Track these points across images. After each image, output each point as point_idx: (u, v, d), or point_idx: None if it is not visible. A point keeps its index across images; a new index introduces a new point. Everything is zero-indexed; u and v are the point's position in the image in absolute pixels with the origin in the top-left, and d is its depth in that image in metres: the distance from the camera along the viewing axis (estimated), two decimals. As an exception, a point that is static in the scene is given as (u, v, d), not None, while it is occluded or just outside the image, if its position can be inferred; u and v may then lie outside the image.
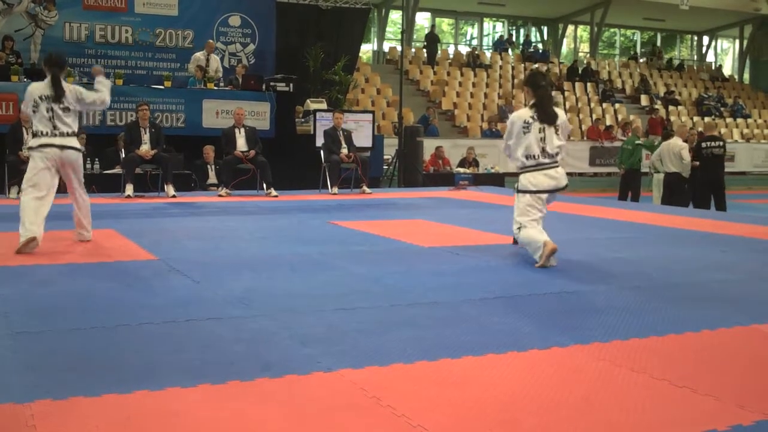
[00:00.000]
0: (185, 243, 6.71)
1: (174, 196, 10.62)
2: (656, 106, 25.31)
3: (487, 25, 31.03)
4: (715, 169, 12.37)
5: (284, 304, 4.34)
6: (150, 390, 2.85)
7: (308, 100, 14.82)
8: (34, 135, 6.29)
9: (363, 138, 13.76)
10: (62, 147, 6.22)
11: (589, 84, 25.79)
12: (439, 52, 26.41)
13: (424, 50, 25.31)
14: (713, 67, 32.19)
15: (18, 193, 10.06)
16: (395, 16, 27.50)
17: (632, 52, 31.90)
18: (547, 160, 5.80)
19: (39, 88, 6.31)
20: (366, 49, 25.65)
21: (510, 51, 27.89)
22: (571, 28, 31.32)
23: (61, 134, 6.24)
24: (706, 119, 24.89)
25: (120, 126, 12.28)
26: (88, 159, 11.74)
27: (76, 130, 6.42)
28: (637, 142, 14.48)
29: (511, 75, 25.23)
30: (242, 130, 11.62)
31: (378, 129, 17.30)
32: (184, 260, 5.70)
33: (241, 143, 11.50)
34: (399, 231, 7.43)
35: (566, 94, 24.59)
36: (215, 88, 13.67)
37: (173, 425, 2.56)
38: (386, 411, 2.70)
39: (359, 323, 3.93)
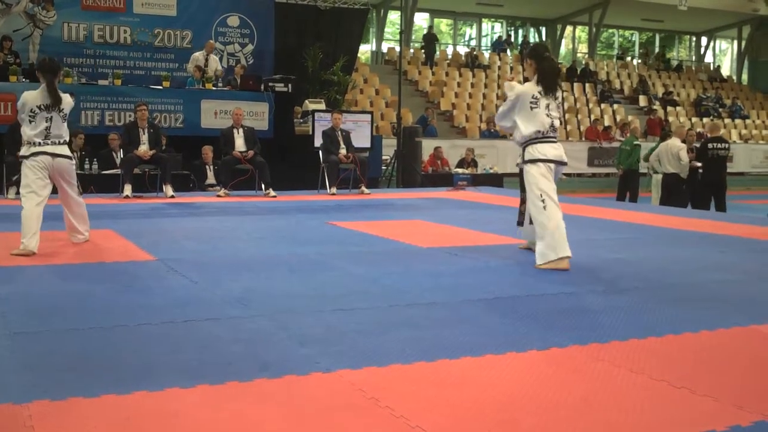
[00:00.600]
0: (184, 243, 6.70)
1: (172, 197, 10.62)
2: (655, 107, 25.34)
3: (486, 25, 31.06)
4: (719, 170, 12.38)
5: (282, 304, 4.34)
6: (148, 391, 2.85)
7: (307, 101, 14.82)
8: (28, 143, 6.24)
9: (361, 138, 13.76)
10: (54, 155, 6.19)
11: (587, 84, 25.80)
12: (438, 52, 26.43)
13: (423, 51, 25.31)
14: (711, 68, 32.22)
15: (16, 193, 10.07)
16: (394, 16, 27.51)
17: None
18: (551, 134, 5.80)
19: (35, 98, 6.25)
20: (364, 50, 25.66)
21: (508, 51, 27.91)
22: (569, 28, 31.34)
23: (53, 143, 6.22)
24: (705, 120, 24.94)
25: (118, 126, 12.28)
26: (87, 159, 11.74)
27: (68, 139, 6.40)
28: (635, 142, 14.48)
29: (506, 78, 25.22)
30: (241, 130, 11.61)
31: (376, 129, 17.31)
32: (183, 261, 5.70)
33: (240, 143, 11.50)
34: (397, 231, 7.43)
35: (565, 94, 24.57)
36: (214, 88, 13.66)
37: (172, 426, 2.56)
38: (385, 411, 2.69)
39: (358, 324, 3.93)
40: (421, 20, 28.52)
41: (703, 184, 12.40)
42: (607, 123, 22.77)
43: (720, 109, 27.07)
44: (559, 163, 5.83)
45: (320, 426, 2.58)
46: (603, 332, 3.77)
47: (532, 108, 5.73)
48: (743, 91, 30.28)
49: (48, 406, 2.68)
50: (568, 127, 22.61)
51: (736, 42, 33.18)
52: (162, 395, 2.82)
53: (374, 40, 26.90)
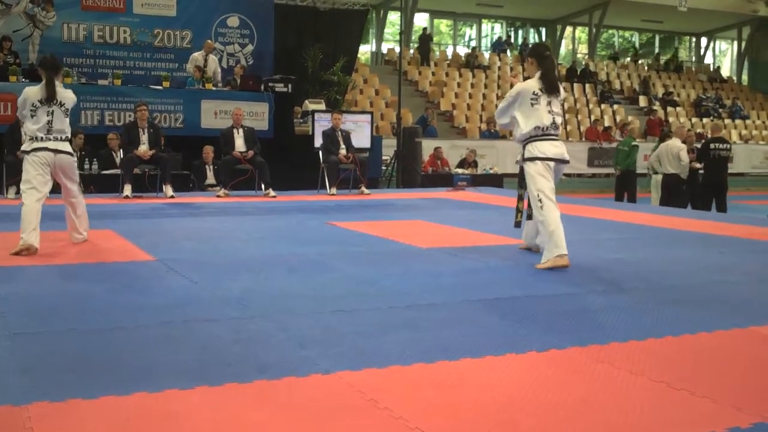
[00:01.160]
0: (183, 244, 6.70)
1: (172, 197, 10.62)
2: (655, 107, 25.34)
3: (486, 26, 31.07)
4: (720, 170, 12.39)
5: (282, 305, 4.34)
6: (148, 392, 2.85)
7: (307, 101, 14.82)
8: (30, 138, 6.27)
9: (361, 139, 13.77)
10: (56, 151, 6.23)
11: (587, 85, 25.80)
12: (437, 53, 26.42)
13: (418, 51, 25.28)
14: (711, 69, 32.23)
15: (16, 193, 10.08)
16: (393, 17, 27.52)
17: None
18: (553, 132, 5.81)
19: (36, 93, 6.30)
20: (364, 50, 25.67)
21: (508, 52, 27.91)
22: (569, 29, 31.35)
23: (56, 138, 6.25)
24: (705, 120, 24.95)
25: (118, 126, 12.28)
26: (86, 159, 11.74)
27: (69, 135, 6.42)
28: (633, 143, 14.49)
29: (509, 76, 25.22)
30: (241, 130, 11.61)
31: (376, 130, 17.32)
32: (182, 261, 5.69)
33: (240, 144, 11.50)
34: (397, 232, 7.43)
35: (565, 95, 24.52)
36: (214, 88, 13.67)
37: (171, 427, 2.56)
38: (384, 413, 2.69)
39: (357, 325, 3.93)
40: (421, 21, 28.53)
41: (704, 185, 12.41)
42: (607, 123, 22.77)
43: (720, 110, 27.08)
44: (560, 161, 5.84)
45: (319, 427, 2.58)
46: (603, 333, 3.77)
47: (532, 104, 5.74)
48: (743, 91, 30.30)
49: (47, 408, 2.68)
50: (568, 128, 22.61)
51: (736, 43, 33.18)
52: (161, 396, 2.82)
53: (374, 40, 26.90)
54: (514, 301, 4.53)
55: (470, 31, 31.02)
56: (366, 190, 12.16)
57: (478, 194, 12.63)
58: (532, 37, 30.69)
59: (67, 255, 6.05)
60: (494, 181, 16.12)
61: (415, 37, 26.83)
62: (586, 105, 24.66)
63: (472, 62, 25.62)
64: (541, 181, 5.72)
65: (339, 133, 12.29)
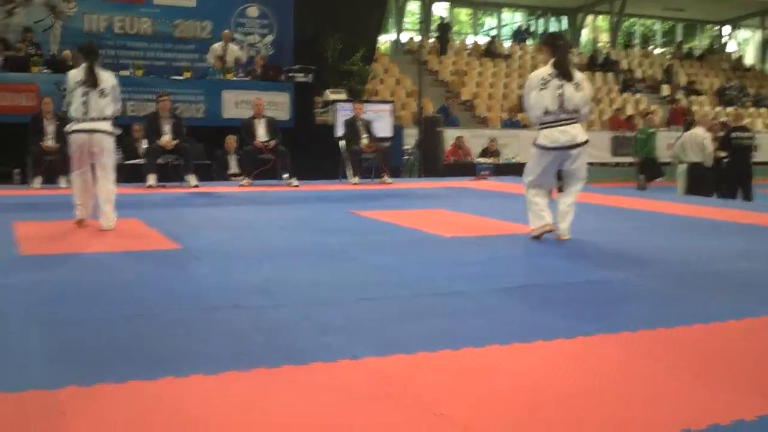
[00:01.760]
0: (207, 232, 6.72)
1: (196, 186, 10.66)
2: (678, 96, 25.11)
3: (506, 15, 30.88)
4: (743, 159, 12.27)
5: (305, 293, 4.34)
6: (174, 377, 2.86)
7: (327, 91, 14.82)
8: (70, 120, 6.73)
9: (383, 128, 13.74)
10: (91, 131, 6.60)
11: (609, 74, 25.60)
12: (457, 42, 26.30)
13: (438, 40, 25.17)
14: (734, 57, 31.87)
15: (42, 183, 10.18)
16: (413, 6, 27.42)
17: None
18: (564, 116, 5.92)
19: (75, 75, 6.71)
20: (384, 40, 25.60)
21: (529, 41, 27.73)
22: (590, 17, 31.10)
23: (92, 119, 6.60)
24: (729, 109, 24.68)
25: (140, 117, 12.33)
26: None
27: (109, 114, 6.71)
28: (650, 130, 14.38)
29: (530, 65, 25.06)
30: (262, 120, 11.63)
31: (397, 119, 17.28)
32: (206, 249, 5.71)
33: (261, 133, 11.52)
34: (420, 221, 7.41)
35: (582, 79, 24.37)
36: (234, 78, 13.68)
37: (198, 412, 2.56)
38: (410, 400, 2.68)
39: (381, 313, 3.92)
40: (440, 10, 28.40)
41: (729, 174, 12.29)
42: (630, 112, 22.59)
43: (744, 98, 26.77)
44: (565, 147, 5.97)
45: (346, 413, 2.57)
46: (631, 321, 3.74)
47: (541, 89, 5.91)
48: (767, 79, 29.93)
49: (77, 392, 2.69)
50: (591, 117, 22.47)
51: (759, 31, 32.78)
52: (188, 381, 2.83)
53: (394, 30, 26.82)
54: (541, 289, 4.51)
55: (490, 20, 30.84)
56: (388, 179, 12.14)
57: (501, 183, 12.58)
58: (553, 26, 30.47)
59: (94, 244, 6.08)
60: (517, 170, 15.95)
61: (434, 26, 26.72)
62: (608, 94, 24.47)
63: (492, 51, 25.49)
64: (531, 168, 6.15)
65: (360, 122, 12.27)
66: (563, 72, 5.91)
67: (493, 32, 29.83)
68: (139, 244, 6.03)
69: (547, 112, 5.90)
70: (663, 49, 31.35)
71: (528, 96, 6.08)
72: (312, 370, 2.97)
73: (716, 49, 32.32)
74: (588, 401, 2.68)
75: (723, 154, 12.24)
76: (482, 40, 27.88)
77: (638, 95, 24.97)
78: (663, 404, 2.67)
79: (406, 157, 15.55)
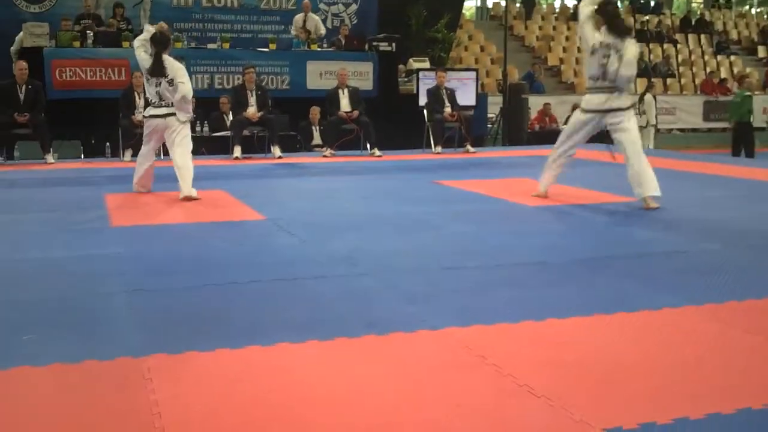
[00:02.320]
0: (292, 203, 6.82)
1: (280, 157, 10.80)
2: (775, 58, 24.11)
3: (595, -24, 30.03)
4: None
5: (389, 263, 4.37)
6: (261, 345, 2.93)
7: (411, 60, 14.74)
8: (147, 103, 7.29)
9: (466, 96, 13.60)
10: (166, 115, 7.07)
11: (702, 36, 24.72)
12: (544, 6, 25.77)
13: (522, 4, 24.68)
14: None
15: (132, 156, 10.47)
16: (499, -29, 26.94)
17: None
18: (607, 83, 6.21)
19: (146, 60, 7.15)
20: (469, 6, 25.28)
21: (619, 3, 26.97)
22: (683, -23, 30.03)
23: (167, 105, 7.08)
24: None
25: (227, 89, 12.53)
26: (197, 122, 12.04)
27: (179, 98, 7.04)
28: (746, 93, 13.84)
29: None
30: (345, 90, 11.66)
31: (482, 87, 17.09)
32: (291, 220, 5.79)
33: (345, 104, 11.55)
34: (504, 190, 7.35)
35: (679, 46, 23.64)
36: (319, 49, 13.75)
37: (283, 379, 2.62)
38: (492, 369, 2.69)
39: (464, 282, 3.92)
40: (527, -26, 27.80)
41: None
42: (723, 75, 21.81)
43: None
44: (603, 111, 6.27)
45: (427, 383, 2.59)
46: (718, 292, 3.65)
47: (592, 53, 6.24)
48: None
49: (165, 360, 2.79)
50: (683, 81, 21.78)
51: None
52: (273, 350, 2.90)
53: (479, -5, 26.45)
54: (625, 260, 4.43)
55: (578, -17, 30.08)
56: (471, 149, 12.04)
57: (587, 151, 12.31)
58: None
59: (181, 215, 6.25)
60: (604, 136, 15.70)
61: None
62: (701, 57, 23.65)
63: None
64: (568, 129, 6.69)
65: (444, 91, 12.18)
66: (613, 38, 6.13)
67: (581, -5, 29.09)
68: (225, 215, 6.16)
69: (591, 77, 6.31)
70: (760, 9, 30.04)
71: (584, 21, 6.38)
72: (392, 340, 3.00)
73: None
74: (679, 374, 2.63)
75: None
76: (570, 2, 27.23)
77: (733, 57, 24.05)
78: (762, 376, 2.60)
79: (490, 125, 15.38)
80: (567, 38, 23.55)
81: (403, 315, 3.35)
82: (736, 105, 13.75)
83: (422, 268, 4.24)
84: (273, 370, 2.71)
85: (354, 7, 16.30)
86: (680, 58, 23.13)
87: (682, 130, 19.71)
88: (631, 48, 6.18)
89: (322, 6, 15.83)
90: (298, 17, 14.66)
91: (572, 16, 24.68)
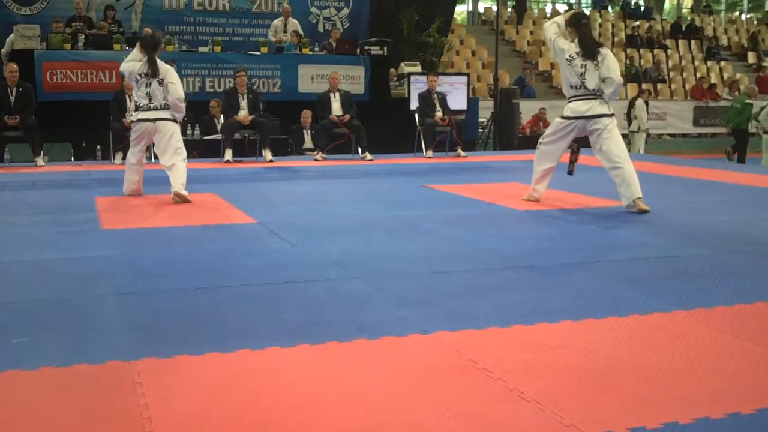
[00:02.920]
0: (283, 207, 6.81)
1: (271, 161, 10.79)
2: (764, 64, 24.21)
3: (586, -19, 30.16)
4: None
5: (380, 266, 4.37)
6: (251, 349, 2.93)
7: (402, 64, 14.76)
8: (136, 108, 7.33)
9: (458, 101, 13.63)
10: (156, 119, 7.16)
11: (693, 41, 24.84)
12: (536, 10, 25.84)
13: (514, 9, 24.74)
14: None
15: (123, 159, 10.43)
16: (490, -25, 27.02)
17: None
18: (585, 92, 6.37)
19: (138, 66, 7.23)
20: (460, 10, 25.34)
21: (610, 8, 27.07)
22: (674, -17, 30.16)
23: (155, 108, 7.17)
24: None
25: (218, 92, 12.51)
26: (188, 125, 12.02)
27: (170, 101, 7.18)
28: (746, 101, 13.87)
29: (611, 33, 24.50)
30: (337, 94, 11.67)
31: (473, 91, 17.11)
32: (282, 223, 5.79)
33: (336, 107, 11.56)
34: (495, 194, 7.37)
35: (669, 52, 23.74)
36: (310, 53, 13.75)
37: (273, 383, 2.62)
38: (482, 374, 2.69)
39: (455, 286, 3.92)
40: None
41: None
42: (713, 81, 21.90)
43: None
44: (586, 117, 6.39)
45: (418, 387, 2.59)
46: (708, 297, 3.66)
47: (568, 63, 6.35)
48: None
49: (155, 363, 2.78)
50: (673, 86, 21.86)
51: None
52: (263, 354, 2.89)
53: (470, 0, 26.51)
54: (616, 264, 4.44)
55: (569, -12, 30.20)
56: (462, 153, 12.07)
57: (579, 155, 12.34)
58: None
59: (171, 218, 6.24)
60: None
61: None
62: (691, 62, 23.75)
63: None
64: (549, 136, 6.77)
65: (435, 95, 12.20)
66: (587, 52, 6.28)
67: (573, 0, 29.22)
68: (216, 219, 6.15)
69: (572, 86, 6.40)
70: (749, 15, 30.19)
71: (555, 42, 6.46)
72: (383, 344, 3.00)
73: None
74: (669, 379, 2.64)
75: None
76: (561, 8, 27.34)
77: (723, 63, 24.17)
78: (752, 380, 2.61)
79: (481, 130, 15.40)
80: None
81: (394, 319, 3.35)
82: (736, 111, 13.75)
83: (413, 272, 4.24)
84: (263, 373, 2.70)
85: (346, 11, 16.32)
86: (670, 63, 23.22)
87: (672, 135, 19.78)
88: (609, 57, 6.34)
89: (313, 10, 15.84)
90: (278, 22, 14.63)
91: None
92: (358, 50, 13.89)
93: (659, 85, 21.51)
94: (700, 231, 5.49)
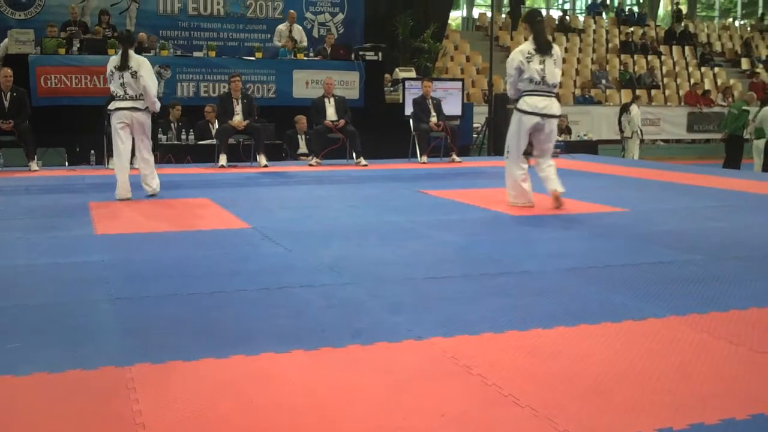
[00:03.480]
0: (277, 212, 6.81)
1: (266, 166, 10.79)
2: (758, 70, 24.29)
3: (581, -13, 30.25)
4: None
5: (374, 272, 4.37)
6: (245, 354, 2.92)
7: (397, 69, 14.79)
8: (112, 98, 7.67)
9: (452, 106, 13.66)
10: (132, 109, 7.54)
11: (686, 48, 24.91)
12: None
13: (509, 15, 24.79)
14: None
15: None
16: (485, -19, 27.08)
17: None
18: (545, 88, 6.61)
19: (113, 61, 7.64)
20: (455, 16, 25.38)
21: (604, 14, 27.15)
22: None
23: (130, 98, 7.54)
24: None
25: (213, 97, 12.51)
26: (183, 130, 12.02)
27: (143, 95, 7.58)
28: (743, 107, 13.90)
29: (605, 39, 24.56)
30: (332, 99, 11.68)
31: (467, 97, 17.14)
32: (276, 229, 5.78)
33: (331, 113, 11.57)
34: (489, 200, 7.37)
35: (663, 58, 23.81)
36: (305, 58, 13.76)
37: (268, 389, 2.61)
38: (477, 380, 2.69)
39: (449, 292, 3.92)
40: (513, -16, 27.93)
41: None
42: (707, 87, 21.96)
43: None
44: (547, 115, 6.63)
45: (412, 393, 2.59)
46: (702, 302, 3.66)
47: (528, 61, 6.56)
48: None
49: (149, 369, 2.77)
50: (667, 92, 21.92)
51: None
52: (258, 359, 2.89)
53: (465, 5, 26.56)
54: (610, 270, 4.44)
55: (564, -6, 30.28)
56: (457, 158, 12.09)
57: (572, 161, 12.40)
58: (629, -1, 29.76)
59: (165, 223, 6.23)
60: (589, 147, 15.79)
61: (506, 0, 26.36)
62: (685, 68, 23.82)
63: (565, 26, 25.02)
64: (514, 136, 6.75)
65: (429, 100, 12.22)
66: (542, 47, 6.57)
67: (567, 6, 29.27)
68: (210, 224, 6.15)
69: (531, 81, 6.58)
70: (743, 21, 30.30)
71: (510, 70, 6.68)
72: (377, 350, 3.00)
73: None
74: (663, 384, 2.64)
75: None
76: (556, 14, 27.39)
77: (717, 69, 24.24)
78: (746, 385, 2.61)
79: (476, 135, 15.43)
80: (552, 49, 23.61)
81: (389, 324, 3.35)
82: (733, 117, 13.77)
83: (407, 277, 4.24)
84: (258, 379, 2.70)
85: (341, 16, 16.35)
86: (664, 69, 23.28)
87: (666, 141, 19.83)
88: (557, 48, 6.78)
89: (308, 15, 15.86)
90: (283, 27, 14.67)
91: (558, 27, 24.84)
92: (352, 56, 13.91)
93: (653, 91, 21.57)
94: (694, 237, 5.50)
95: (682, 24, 26.39)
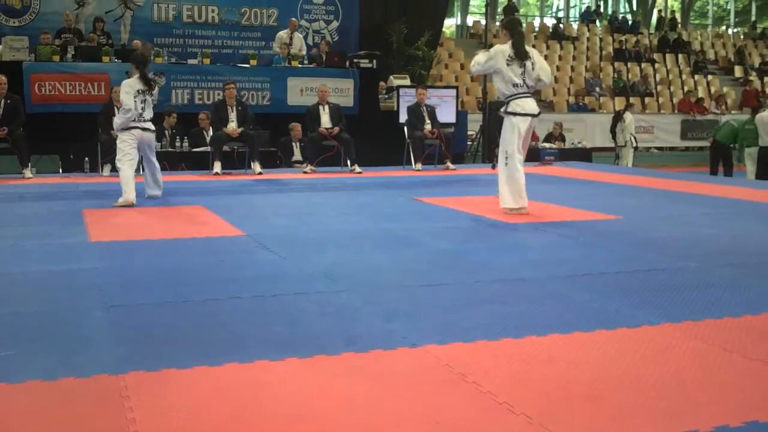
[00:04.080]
0: (272, 219, 6.81)
1: (260, 173, 10.79)
2: (751, 78, 24.39)
3: (574, -4, 30.36)
4: None
5: (369, 279, 4.37)
6: (239, 362, 2.92)
7: (391, 77, 14.81)
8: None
9: (446, 114, 13.67)
10: (144, 129, 7.90)
11: (680, 55, 25.00)
12: (524, 24, 25.92)
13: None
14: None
15: (111, 171, 10.41)
16: (479, -11, 27.16)
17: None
18: (526, 90, 6.81)
19: (136, 83, 7.84)
20: (449, 24, 25.44)
21: (597, 22, 27.24)
22: (661, -3, 30.38)
23: (145, 120, 7.89)
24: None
25: (207, 105, 12.52)
26: (177, 138, 12.01)
27: (152, 115, 8.02)
28: (747, 126, 13.88)
29: (599, 47, 24.64)
30: (326, 107, 11.68)
31: (462, 105, 17.17)
32: (271, 236, 5.78)
33: (326, 120, 11.57)
34: (484, 207, 7.37)
35: (656, 66, 23.89)
36: (300, 65, 13.78)
37: (262, 397, 2.61)
38: (471, 387, 2.69)
39: (444, 299, 3.92)
40: (507, -8, 28.00)
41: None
42: (700, 95, 22.04)
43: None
44: (535, 115, 6.87)
45: (407, 400, 2.59)
46: (696, 310, 3.67)
47: (508, 64, 6.73)
48: None
49: (143, 377, 2.77)
50: (660, 100, 21.99)
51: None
52: (252, 367, 2.88)
53: (459, 13, 26.63)
54: (604, 277, 4.45)
55: (558, 1, 30.36)
56: (451, 166, 12.10)
57: (566, 169, 12.42)
58: (623, 6, 29.85)
59: (159, 230, 6.22)
60: (582, 155, 15.82)
61: (500, 9, 26.42)
62: (678, 76, 23.90)
63: (559, 33, 25.09)
64: (510, 140, 6.77)
65: (424, 108, 12.23)
66: (520, 53, 6.73)
67: (561, 13, 29.36)
68: (205, 231, 6.14)
69: (515, 85, 6.75)
70: (736, 29, 30.43)
71: (487, 61, 6.81)
72: (372, 358, 3.00)
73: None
74: (658, 391, 2.64)
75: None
76: (550, 21, 27.48)
77: (710, 77, 24.33)
78: (740, 392, 2.62)
79: (470, 143, 15.45)
80: (546, 57, 23.68)
81: (383, 332, 3.35)
82: (730, 128, 13.71)
83: (402, 284, 4.24)
84: (252, 387, 2.69)
85: (335, 24, 16.38)
86: (658, 77, 23.36)
87: (659, 148, 19.89)
88: (542, 59, 6.95)
89: (303, 23, 15.89)
90: (283, 34, 14.69)
91: (551, 35, 24.91)
92: (347, 63, 13.93)
93: (647, 99, 21.63)
94: (688, 244, 5.51)
95: (676, 32, 26.51)
